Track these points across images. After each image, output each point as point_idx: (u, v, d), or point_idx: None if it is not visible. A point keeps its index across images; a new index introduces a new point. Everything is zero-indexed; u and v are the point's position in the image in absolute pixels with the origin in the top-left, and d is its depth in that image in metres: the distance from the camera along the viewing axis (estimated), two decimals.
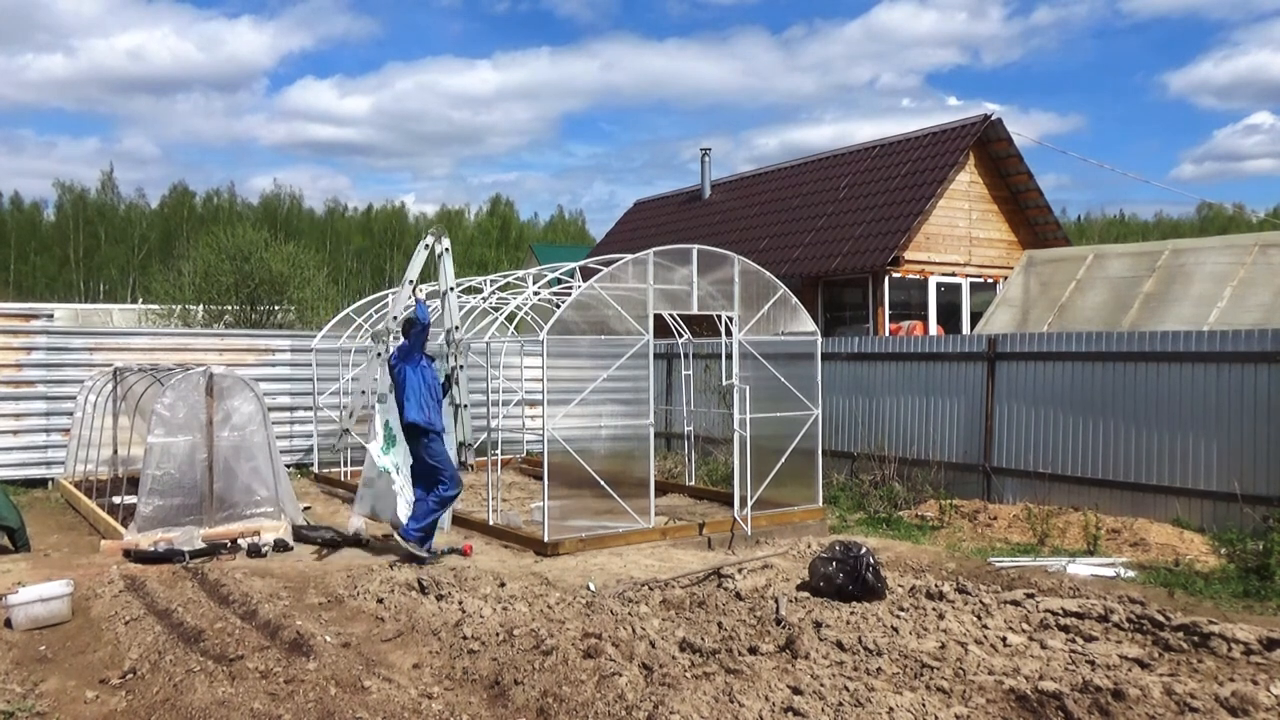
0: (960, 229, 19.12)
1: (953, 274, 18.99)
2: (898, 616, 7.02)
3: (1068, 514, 10.72)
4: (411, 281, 9.48)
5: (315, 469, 15.11)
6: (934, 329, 18.36)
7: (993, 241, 19.59)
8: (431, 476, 9.15)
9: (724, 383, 10.36)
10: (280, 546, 9.67)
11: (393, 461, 11.71)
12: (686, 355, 13.53)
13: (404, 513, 10.71)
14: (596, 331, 10.25)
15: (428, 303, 9.32)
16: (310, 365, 15.24)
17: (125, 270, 71.73)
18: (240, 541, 9.66)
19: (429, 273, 9.85)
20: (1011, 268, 17.78)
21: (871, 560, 7.65)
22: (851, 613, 7.11)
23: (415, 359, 8.97)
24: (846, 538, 9.25)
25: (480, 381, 13.07)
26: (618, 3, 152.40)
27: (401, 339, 9.26)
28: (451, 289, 9.64)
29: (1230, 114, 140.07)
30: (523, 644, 6.23)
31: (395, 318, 9.44)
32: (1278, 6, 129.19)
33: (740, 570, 8.43)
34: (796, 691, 5.41)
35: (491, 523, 10.53)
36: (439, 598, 7.41)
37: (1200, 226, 72.62)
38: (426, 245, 9.64)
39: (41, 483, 14.06)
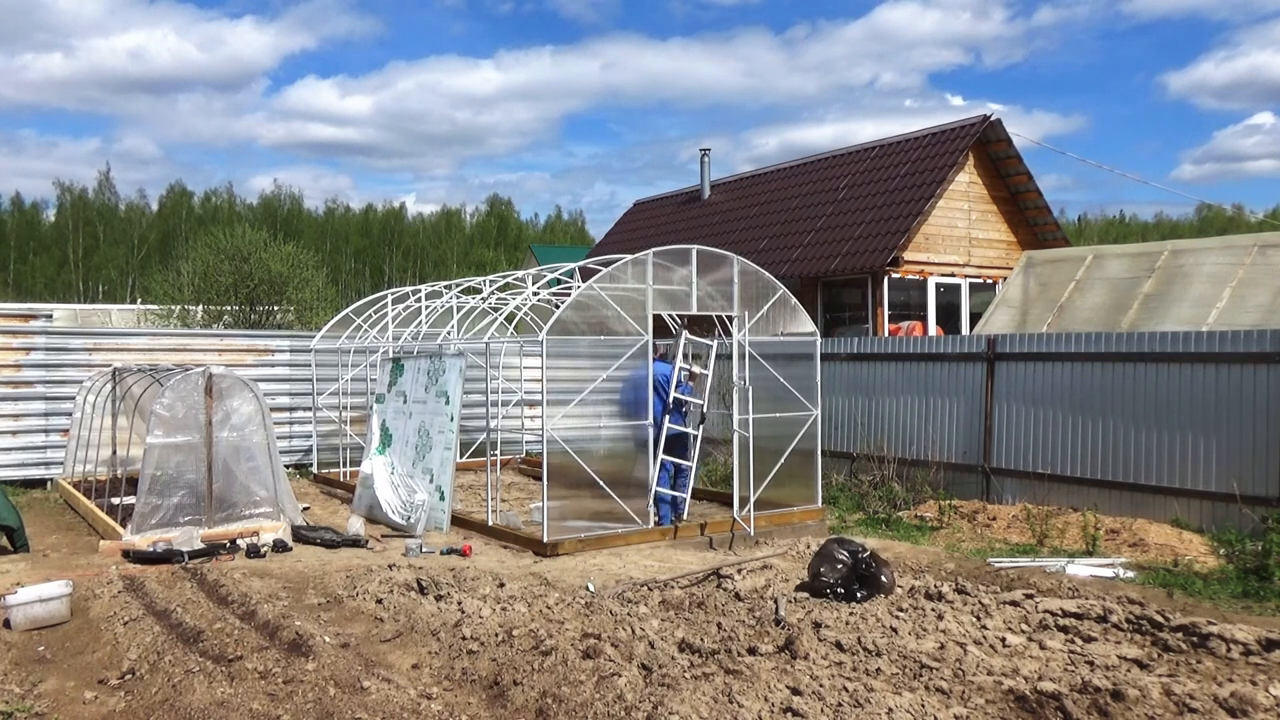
0: (959, 229, 19.11)
1: (952, 274, 18.98)
2: (897, 617, 7.02)
3: (1067, 514, 10.73)
4: (683, 368, 10.77)
5: (314, 469, 15.11)
6: (933, 329, 18.35)
7: (992, 242, 19.58)
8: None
9: (735, 379, 10.45)
10: (279, 547, 9.67)
11: (386, 461, 11.72)
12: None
13: (391, 513, 10.80)
14: (596, 332, 10.24)
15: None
16: (309, 366, 15.23)
17: (124, 271, 71.79)
18: (239, 542, 9.66)
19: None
20: (1011, 268, 17.77)
21: (869, 559, 7.65)
22: (850, 613, 7.11)
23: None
24: (844, 537, 9.24)
25: (480, 382, 13.07)
26: (621, 3, 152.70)
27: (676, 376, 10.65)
28: (707, 375, 11.06)
29: (1230, 115, 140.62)
30: (522, 644, 6.22)
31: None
32: (1278, 7, 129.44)
33: (739, 570, 8.43)
34: (795, 692, 5.40)
35: (491, 523, 10.53)
36: (438, 598, 7.41)
37: (1200, 227, 72.69)
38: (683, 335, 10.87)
39: (40, 483, 14.05)
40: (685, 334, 10.82)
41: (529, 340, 11.07)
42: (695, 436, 10.89)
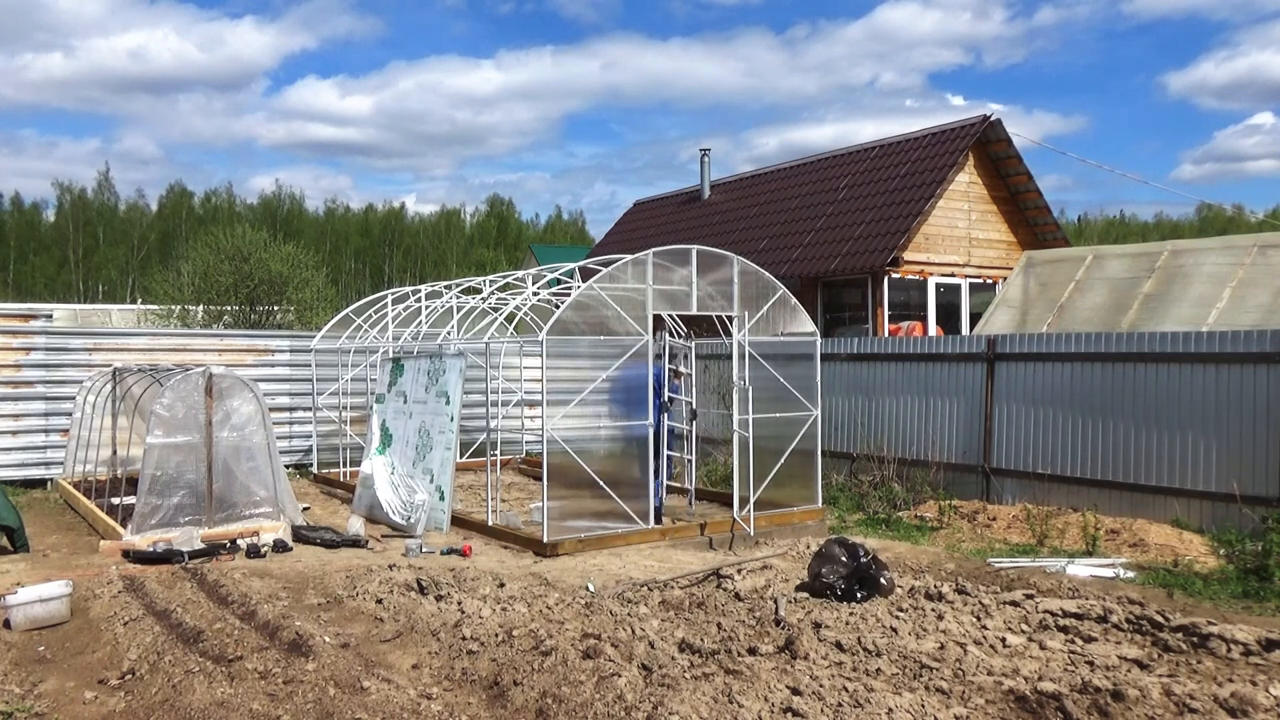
0: (959, 229, 19.11)
1: (952, 274, 18.98)
2: (897, 617, 7.02)
3: (1067, 515, 10.72)
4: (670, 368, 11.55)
5: (314, 469, 15.11)
6: (933, 329, 18.35)
7: (992, 242, 19.58)
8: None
9: (735, 379, 10.57)
10: (279, 547, 9.67)
11: (386, 461, 11.72)
12: (685, 356, 13.52)
13: (391, 513, 10.85)
14: (596, 332, 10.24)
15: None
16: (309, 366, 15.23)
17: (124, 271, 71.78)
18: (239, 542, 9.66)
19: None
20: (1011, 268, 17.77)
21: (869, 560, 7.65)
22: (850, 613, 7.11)
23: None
24: (844, 538, 9.24)
25: (480, 382, 13.06)
26: (621, 3, 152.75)
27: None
28: (690, 375, 12.09)
29: (1230, 115, 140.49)
30: (522, 644, 6.22)
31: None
32: (1278, 7, 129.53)
33: (739, 571, 8.43)
34: (795, 692, 5.40)
35: (491, 523, 10.53)
36: (438, 598, 7.41)
37: (1200, 227, 72.65)
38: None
39: (40, 483, 14.05)
40: (666, 335, 11.34)
41: (529, 340, 11.07)
42: (688, 431, 11.44)
